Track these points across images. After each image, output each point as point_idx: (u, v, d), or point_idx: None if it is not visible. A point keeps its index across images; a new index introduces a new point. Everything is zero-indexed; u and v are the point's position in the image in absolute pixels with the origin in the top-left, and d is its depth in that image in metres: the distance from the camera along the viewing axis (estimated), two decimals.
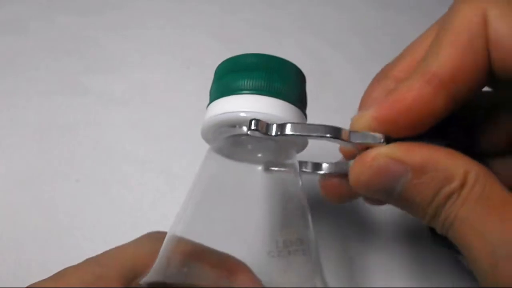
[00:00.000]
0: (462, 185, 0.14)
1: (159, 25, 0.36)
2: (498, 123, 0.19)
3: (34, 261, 0.25)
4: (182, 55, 0.34)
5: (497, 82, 0.15)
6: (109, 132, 0.30)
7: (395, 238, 0.27)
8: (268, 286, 0.15)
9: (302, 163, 0.20)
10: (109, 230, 0.26)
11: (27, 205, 0.27)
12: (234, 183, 0.18)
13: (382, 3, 0.39)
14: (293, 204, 0.18)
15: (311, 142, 0.18)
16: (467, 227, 0.14)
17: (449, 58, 0.14)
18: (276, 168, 0.18)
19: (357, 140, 0.16)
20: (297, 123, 0.16)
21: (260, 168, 0.18)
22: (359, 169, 0.16)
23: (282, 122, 0.17)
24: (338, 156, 0.21)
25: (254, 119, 0.16)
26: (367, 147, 0.16)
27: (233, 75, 0.17)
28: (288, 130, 0.16)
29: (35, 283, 0.17)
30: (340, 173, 0.19)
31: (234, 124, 0.17)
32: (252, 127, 0.16)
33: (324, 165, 0.20)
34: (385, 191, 0.16)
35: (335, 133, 0.16)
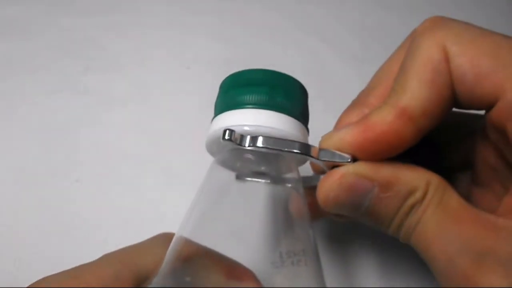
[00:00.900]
0: (424, 195, 0.16)
1: (159, 25, 0.36)
2: (459, 143, 0.20)
3: (34, 261, 0.25)
4: (182, 55, 0.34)
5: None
6: (109, 132, 0.30)
7: (397, 241, 0.27)
8: None
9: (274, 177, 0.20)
10: (109, 230, 0.26)
11: (27, 205, 0.27)
12: (238, 194, 0.19)
13: (382, 3, 0.39)
14: (295, 216, 0.18)
15: None
16: (427, 230, 0.15)
17: (417, 94, 0.15)
18: (249, 178, 0.19)
19: (325, 158, 0.17)
20: (269, 137, 0.17)
21: (263, 181, 0.19)
22: (328, 187, 0.17)
23: (284, 136, 0.17)
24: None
25: (228, 129, 0.17)
26: (334, 166, 0.17)
27: (238, 90, 0.18)
28: (260, 143, 0.17)
29: (52, 275, 0.17)
30: (310, 187, 0.20)
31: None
32: (226, 137, 0.17)
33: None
34: (353, 206, 0.17)
35: (305, 150, 0.17)
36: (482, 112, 0.17)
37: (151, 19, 0.36)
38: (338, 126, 0.20)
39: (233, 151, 0.18)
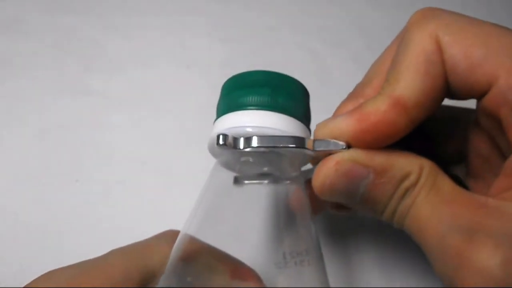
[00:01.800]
0: (417, 179, 0.16)
1: (159, 25, 0.36)
2: (453, 135, 0.21)
3: (34, 261, 0.25)
4: (182, 55, 0.34)
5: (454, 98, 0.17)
6: (109, 132, 0.30)
7: (397, 238, 0.27)
8: None
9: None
10: (109, 230, 0.26)
11: (27, 205, 0.27)
12: (241, 194, 0.19)
13: (382, 3, 0.39)
14: (299, 216, 0.18)
15: None
16: (420, 212, 0.16)
17: (410, 84, 0.16)
18: (247, 181, 0.19)
19: (320, 147, 0.17)
20: (263, 136, 0.17)
21: (266, 181, 0.19)
22: (324, 174, 0.17)
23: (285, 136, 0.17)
24: None
25: (222, 134, 0.17)
26: (329, 154, 0.17)
27: (240, 91, 0.18)
28: (255, 143, 0.17)
29: (59, 269, 0.17)
30: (308, 179, 0.20)
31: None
32: (220, 142, 0.17)
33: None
34: (348, 193, 0.17)
35: (300, 143, 0.17)
36: (474, 105, 0.17)
37: (151, 19, 0.36)
38: (333, 116, 0.20)
39: (235, 153, 0.18)
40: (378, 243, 0.27)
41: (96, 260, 0.17)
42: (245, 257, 0.16)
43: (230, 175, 0.19)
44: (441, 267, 0.15)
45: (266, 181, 0.19)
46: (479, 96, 0.16)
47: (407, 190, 0.16)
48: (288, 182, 0.19)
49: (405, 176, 0.16)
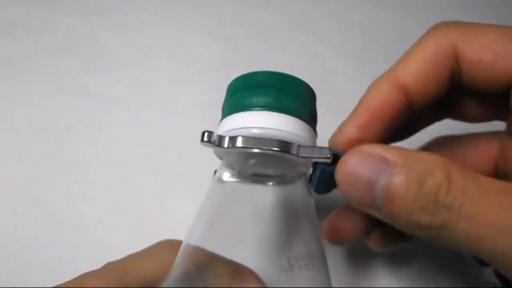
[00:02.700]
0: (448, 176, 0.15)
1: (159, 25, 0.36)
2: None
3: (34, 261, 0.25)
4: (182, 55, 0.34)
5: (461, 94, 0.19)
6: (109, 132, 0.30)
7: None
8: None
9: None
10: (109, 230, 0.26)
11: (27, 205, 0.27)
12: (245, 199, 0.18)
13: (382, 3, 0.39)
14: (304, 218, 0.18)
15: None
16: (472, 209, 0.14)
17: (413, 68, 0.17)
18: (234, 179, 0.19)
19: (305, 154, 0.17)
20: (248, 137, 0.17)
21: (271, 183, 0.18)
22: (346, 164, 0.16)
23: (289, 138, 0.17)
24: None
25: (207, 131, 0.17)
26: (315, 160, 0.17)
27: (246, 92, 0.18)
28: (239, 143, 0.17)
29: (59, 285, 0.17)
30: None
31: None
32: (204, 139, 0.17)
33: None
34: (368, 188, 0.16)
35: (285, 147, 0.17)
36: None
37: (151, 19, 0.36)
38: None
39: (240, 154, 0.18)
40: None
41: (91, 272, 0.17)
42: (249, 260, 0.16)
43: (233, 180, 0.19)
44: None
45: (271, 183, 0.18)
46: (506, 86, 0.17)
47: (438, 187, 0.15)
48: (293, 184, 0.19)
49: (428, 172, 0.15)
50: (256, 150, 0.17)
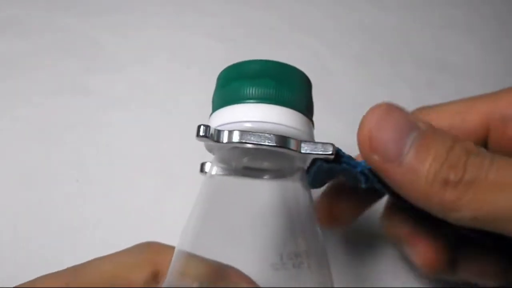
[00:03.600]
0: (478, 145, 0.15)
1: (159, 25, 0.36)
2: None
3: (34, 261, 0.25)
4: (182, 55, 0.34)
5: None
6: (109, 132, 0.30)
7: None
8: None
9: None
10: (109, 231, 0.26)
11: (27, 205, 0.27)
12: (240, 194, 0.18)
13: (382, 3, 0.39)
14: (300, 215, 0.17)
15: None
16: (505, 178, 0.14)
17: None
18: (227, 174, 0.18)
19: (307, 150, 0.16)
20: (245, 131, 0.16)
21: (266, 176, 0.18)
22: (371, 118, 0.16)
23: (287, 132, 0.16)
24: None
25: (203, 125, 0.16)
26: (316, 157, 0.16)
27: (238, 83, 0.17)
28: (236, 138, 0.16)
29: (46, 275, 0.17)
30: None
31: None
32: (201, 133, 0.16)
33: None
34: (395, 145, 0.15)
35: (284, 143, 0.16)
36: None
37: (151, 19, 0.36)
38: None
39: (232, 148, 0.17)
40: (383, 245, 0.27)
41: (82, 264, 0.17)
42: (240, 257, 0.16)
43: (225, 176, 0.18)
44: None
45: (266, 177, 0.18)
46: None
47: (468, 153, 0.14)
48: (290, 179, 0.18)
49: (456, 138, 0.15)
50: (256, 146, 0.16)
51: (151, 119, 0.31)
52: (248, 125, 0.16)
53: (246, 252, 0.16)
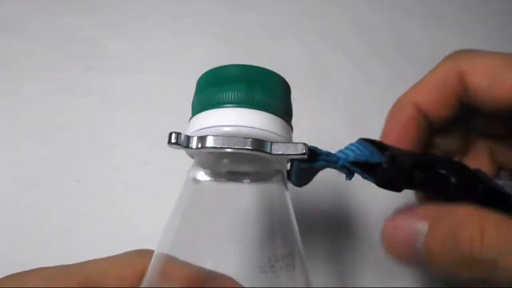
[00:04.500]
0: (482, 226, 0.15)
1: (159, 25, 0.36)
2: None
3: (34, 261, 0.25)
4: (182, 55, 0.34)
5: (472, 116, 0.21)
6: (109, 132, 0.30)
7: None
8: None
9: None
10: (109, 231, 0.26)
11: (27, 205, 0.27)
12: (221, 198, 0.18)
13: (383, 2, 0.39)
14: (282, 217, 0.17)
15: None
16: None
17: (427, 92, 0.20)
18: (207, 178, 0.18)
19: (279, 151, 0.16)
20: (218, 136, 0.16)
21: (247, 180, 0.18)
22: (386, 234, 0.18)
23: (265, 136, 0.16)
24: None
25: (174, 132, 0.17)
26: (290, 158, 0.17)
27: (215, 88, 0.17)
28: (210, 143, 0.16)
29: (34, 269, 0.17)
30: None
31: None
32: (172, 141, 0.16)
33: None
34: (411, 244, 0.16)
35: (257, 146, 0.16)
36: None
37: (151, 19, 0.36)
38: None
39: (212, 153, 0.17)
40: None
41: (73, 264, 0.17)
42: (228, 262, 0.16)
43: (206, 181, 0.18)
44: None
45: (247, 180, 0.18)
46: (505, 107, 0.18)
47: (471, 240, 0.15)
48: (269, 181, 0.18)
49: (461, 227, 0.15)
50: (228, 150, 0.16)
51: (151, 119, 0.31)
52: (225, 129, 0.16)
53: (234, 256, 0.16)
